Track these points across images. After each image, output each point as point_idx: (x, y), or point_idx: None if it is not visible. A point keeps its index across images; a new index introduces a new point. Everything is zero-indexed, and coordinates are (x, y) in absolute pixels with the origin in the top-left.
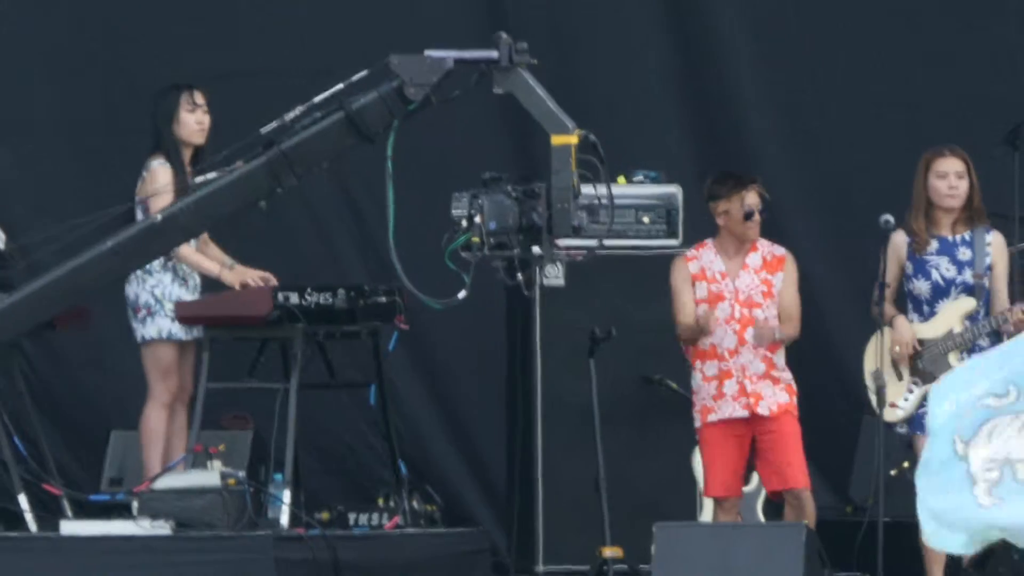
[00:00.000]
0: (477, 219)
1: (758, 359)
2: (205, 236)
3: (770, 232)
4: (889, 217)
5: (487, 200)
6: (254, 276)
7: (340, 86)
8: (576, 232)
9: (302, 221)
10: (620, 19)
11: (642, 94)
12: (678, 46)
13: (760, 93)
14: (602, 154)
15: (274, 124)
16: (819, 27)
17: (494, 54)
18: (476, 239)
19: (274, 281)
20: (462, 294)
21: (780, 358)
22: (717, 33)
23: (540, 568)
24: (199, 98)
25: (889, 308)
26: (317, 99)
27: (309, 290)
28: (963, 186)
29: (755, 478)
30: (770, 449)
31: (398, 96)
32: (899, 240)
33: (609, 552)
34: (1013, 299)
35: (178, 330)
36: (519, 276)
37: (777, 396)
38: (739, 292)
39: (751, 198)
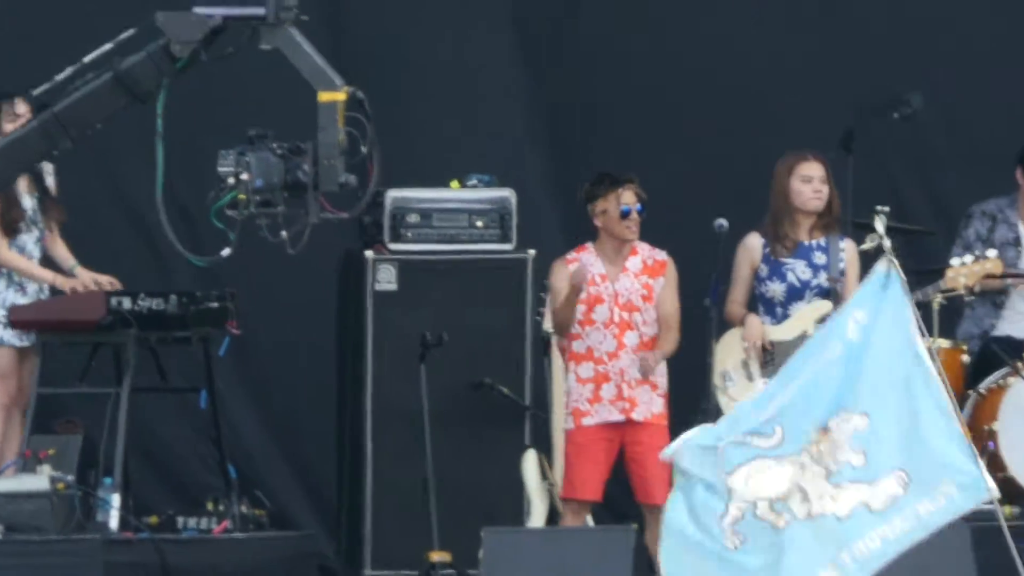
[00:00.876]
0: (244, 176)
1: (636, 363)
2: (54, 235)
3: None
4: (723, 221)
5: (253, 157)
6: (87, 282)
7: (109, 45)
8: (342, 188)
9: (124, 222)
10: (461, 20)
11: (480, 98)
12: (521, 48)
13: (613, 92)
14: (368, 111)
15: (45, 86)
16: (673, 25)
17: (262, 11)
18: (242, 196)
19: (118, 285)
20: (226, 252)
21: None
22: (562, 34)
23: (368, 572)
24: (20, 107)
25: (740, 308)
26: (87, 59)
27: (142, 295)
28: (826, 190)
29: None
30: (639, 461)
31: (166, 54)
32: (753, 243)
33: (437, 557)
34: None
35: (12, 336)
36: (283, 234)
37: (653, 404)
38: (618, 295)
39: (627, 197)
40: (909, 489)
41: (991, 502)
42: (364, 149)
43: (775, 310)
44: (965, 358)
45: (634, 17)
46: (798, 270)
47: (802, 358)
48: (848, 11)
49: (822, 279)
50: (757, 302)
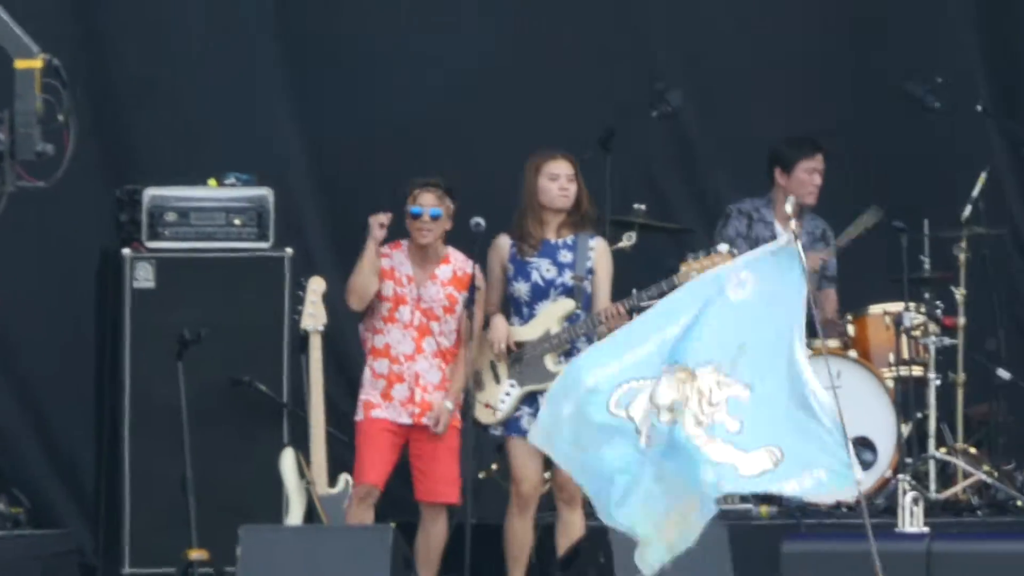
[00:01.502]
0: None
1: (434, 368)
2: None
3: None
4: (480, 220)
5: None
6: None
7: None
8: (39, 157)
9: None
10: (225, 17)
11: (241, 96)
12: (286, 47)
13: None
14: (65, 78)
15: None
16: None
17: None
18: None
19: None
20: None
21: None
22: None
23: (127, 570)
24: None
25: (491, 309)
26: None
27: None
28: (573, 188)
29: (342, 479)
30: (423, 459)
31: None
32: (502, 243)
33: (195, 554)
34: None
35: None
36: None
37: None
38: (421, 300)
39: (424, 199)
40: (780, 466)
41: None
42: (61, 117)
43: (522, 310)
44: None
45: (398, 18)
46: (542, 269)
47: (672, 303)
48: (613, 9)
49: (567, 278)
50: (508, 302)
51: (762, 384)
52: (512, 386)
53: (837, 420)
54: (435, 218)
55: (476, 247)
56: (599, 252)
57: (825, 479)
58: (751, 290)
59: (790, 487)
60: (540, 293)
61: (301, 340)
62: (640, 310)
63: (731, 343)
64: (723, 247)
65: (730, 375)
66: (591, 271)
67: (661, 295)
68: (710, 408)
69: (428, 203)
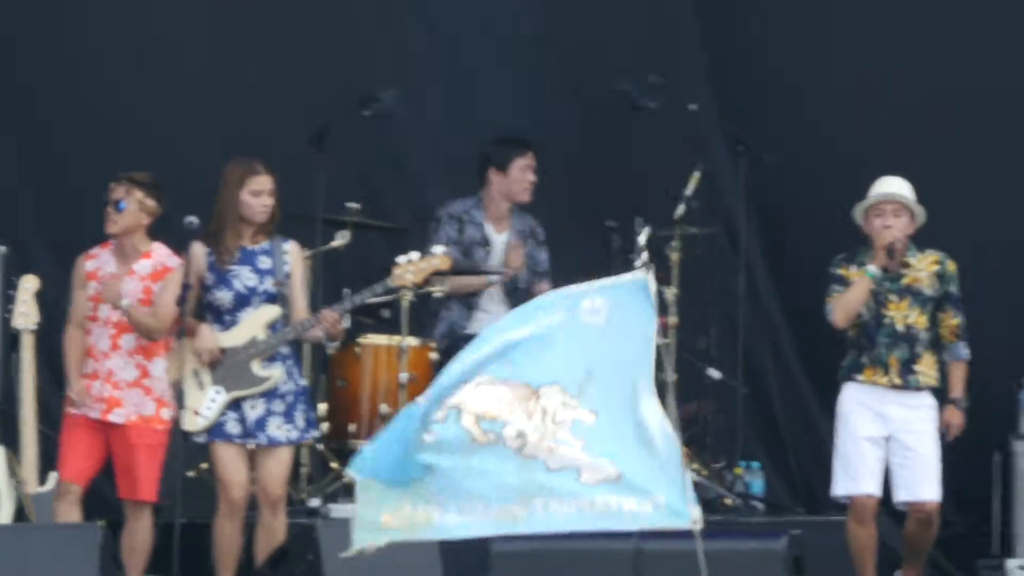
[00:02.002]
0: None
1: (131, 365)
2: None
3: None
4: (193, 219)
5: None
6: None
7: None
8: None
9: None
10: None
11: None
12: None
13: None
14: None
15: None
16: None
17: None
18: None
19: None
20: None
21: (156, 367)
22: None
23: None
24: None
25: (191, 318)
26: None
27: None
28: (272, 202)
29: (52, 478)
30: (123, 456)
31: None
32: (197, 251)
33: None
34: (316, 306)
35: None
36: None
37: (144, 406)
38: (119, 295)
39: (117, 192)
40: (621, 480)
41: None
42: None
43: (223, 317)
44: (434, 355)
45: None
46: (243, 277)
47: (524, 312)
48: (325, 7)
49: (269, 284)
50: (205, 310)
51: (608, 412)
52: (218, 392)
53: (677, 457)
54: (120, 210)
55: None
56: (293, 256)
57: (663, 506)
58: (603, 318)
59: (628, 505)
60: (243, 301)
61: (12, 339)
62: (356, 312)
63: (578, 367)
64: (439, 249)
65: (576, 397)
66: (288, 275)
67: (374, 296)
68: (553, 426)
69: (117, 196)
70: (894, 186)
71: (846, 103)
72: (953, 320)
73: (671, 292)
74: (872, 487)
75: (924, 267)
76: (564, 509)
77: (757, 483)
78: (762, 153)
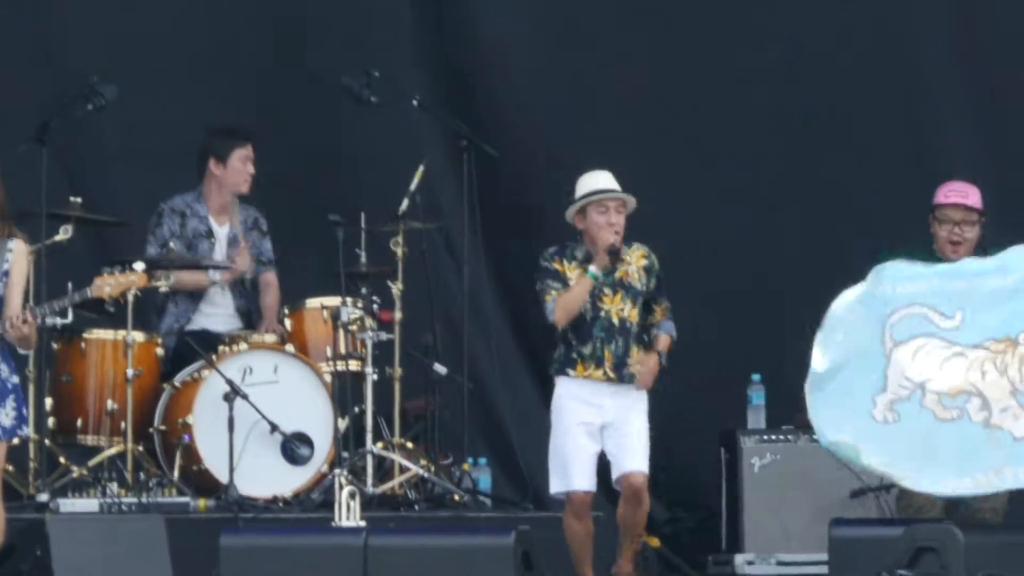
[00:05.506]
0: None
1: None
2: None
3: None
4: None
5: None
6: None
7: None
8: None
9: None
10: None
11: None
12: None
13: None
14: None
15: None
16: None
17: None
18: None
19: None
20: None
21: None
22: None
23: None
24: None
25: None
26: None
27: None
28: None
29: None
30: None
31: None
32: None
33: None
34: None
35: None
36: None
37: None
38: None
39: None
40: None
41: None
42: None
43: None
44: (159, 351)
45: None
46: None
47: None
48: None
49: None
50: None
51: None
52: None
53: None
54: None
55: None
56: (16, 254)
57: None
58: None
59: None
60: None
61: None
62: (81, 306)
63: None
64: (139, 265)
65: None
66: (7, 273)
67: (63, 310)
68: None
69: None
70: (609, 181)
71: (560, 100)
72: (663, 305)
73: (396, 287)
74: (586, 483)
75: (634, 261)
76: None
77: (485, 479)
78: (484, 147)
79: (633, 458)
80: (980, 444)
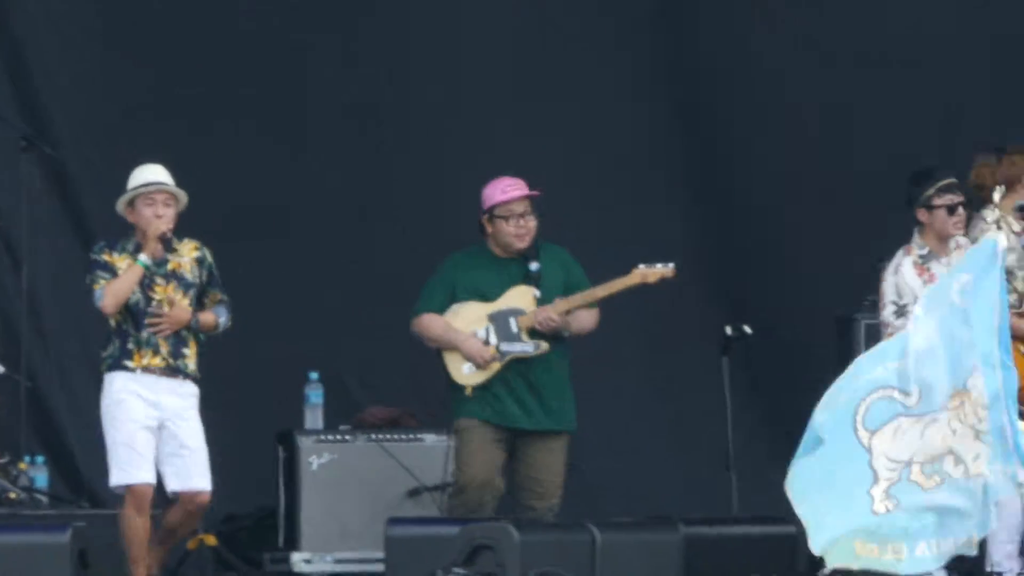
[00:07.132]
0: None
1: None
2: None
3: None
4: None
5: None
6: None
7: None
8: None
9: None
10: None
11: None
12: None
13: None
14: None
15: None
16: None
17: None
18: None
19: None
20: None
21: None
22: None
23: None
24: None
25: None
26: None
27: None
28: None
29: None
30: None
31: None
32: None
33: None
34: None
35: None
36: None
37: None
38: None
39: None
40: None
41: None
42: None
43: None
44: None
45: None
46: None
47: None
48: None
49: None
50: None
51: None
52: None
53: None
54: None
55: None
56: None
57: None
58: (968, 289)
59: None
60: None
61: None
62: None
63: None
64: None
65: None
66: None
67: None
68: (980, 409)
69: None
70: (160, 175)
71: None
72: (218, 296)
73: None
74: (149, 476)
75: (186, 253)
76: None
77: (41, 477)
78: (45, 149)
79: (200, 477)
80: (965, 501)
